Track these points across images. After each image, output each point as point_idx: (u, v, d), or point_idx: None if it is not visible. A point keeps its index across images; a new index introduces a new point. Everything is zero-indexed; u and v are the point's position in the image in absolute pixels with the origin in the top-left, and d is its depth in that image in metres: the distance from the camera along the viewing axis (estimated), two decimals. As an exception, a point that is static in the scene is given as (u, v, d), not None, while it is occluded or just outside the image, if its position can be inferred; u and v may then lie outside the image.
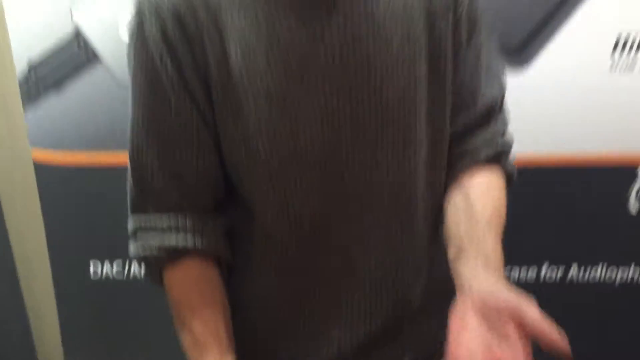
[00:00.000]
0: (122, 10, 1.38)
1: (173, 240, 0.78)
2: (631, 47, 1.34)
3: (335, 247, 0.79)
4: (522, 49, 1.36)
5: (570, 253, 1.51)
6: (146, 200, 0.79)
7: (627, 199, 1.47)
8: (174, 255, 0.78)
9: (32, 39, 1.40)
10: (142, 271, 0.83)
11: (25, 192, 1.67)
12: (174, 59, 0.72)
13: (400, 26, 0.74)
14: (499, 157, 0.83)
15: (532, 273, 1.52)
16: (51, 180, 1.51)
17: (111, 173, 1.47)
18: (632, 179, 1.46)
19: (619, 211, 1.48)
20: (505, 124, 0.86)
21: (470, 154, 0.82)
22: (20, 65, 1.42)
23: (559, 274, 1.53)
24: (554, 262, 1.52)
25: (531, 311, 0.59)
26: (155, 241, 0.78)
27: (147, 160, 0.77)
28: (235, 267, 0.84)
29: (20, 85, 1.44)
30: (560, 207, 1.48)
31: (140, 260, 0.81)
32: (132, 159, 0.78)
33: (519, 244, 1.49)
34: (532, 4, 1.34)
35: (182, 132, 0.75)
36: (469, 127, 0.82)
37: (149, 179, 0.77)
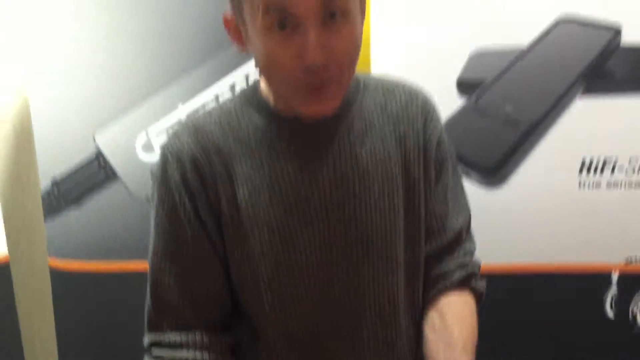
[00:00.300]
0: (138, 134, 1.54)
1: (184, 354, 0.88)
2: (596, 169, 1.50)
3: None
4: (498, 169, 1.50)
5: (551, 357, 1.60)
6: (162, 318, 0.89)
7: (603, 305, 1.57)
8: None
9: (56, 158, 1.56)
10: None
11: (40, 298, 1.77)
12: (191, 198, 0.85)
13: (381, 167, 0.89)
14: (470, 278, 0.95)
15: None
16: (66, 286, 1.61)
17: (122, 278, 1.58)
18: (607, 285, 1.57)
19: (596, 316, 1.57)
20: (472, 246, 0.99)
21: (443, 277, 0.94)
22: (44, 181, 1.57)
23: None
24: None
25: None
26: (168, 354, 0.88)
27: (165, 283, 0.88)
28: None
29: (43, 199, 1.58)
30: (539, 312, 1.57)
31: None
32: (152, 282, 0.90)
33: (502, 347, 1.58)
34: (506, 129, 1.50)
35: (196, 260, 0.87)
36: (441, 252, 0.95)
37: (166, 299, 0.88)
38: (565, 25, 1.44)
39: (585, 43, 1.44)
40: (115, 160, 1.55)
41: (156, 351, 0.89)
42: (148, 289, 0.91)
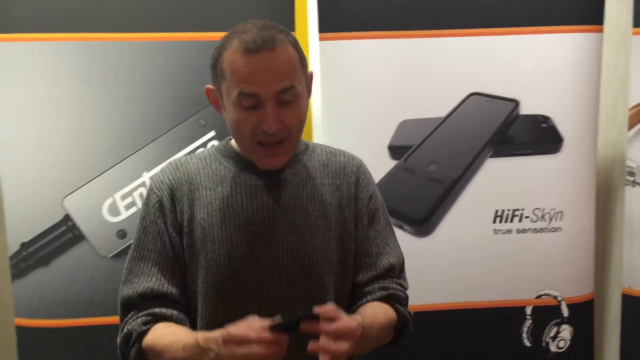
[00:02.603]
0: (105, 199, 1.68)
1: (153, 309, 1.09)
2: (507, 218, 1.76)
3: None
4: (426, 221, 1.74)
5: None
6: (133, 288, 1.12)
7: (520, 335, 1.81)
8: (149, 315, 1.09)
9: (26, 222, 1.67)
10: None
11: (6, 356, 1.81)
12: (162, 217, 1.12)
13: (318, 206, 1.14)
14: (392, 297, 1.15)
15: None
16: (32, 342, 1.68)
17: (89, 332, 1.67)
18: (522, 318, 1.81)
19: (515, 345, 1.81)
20: (404, 284, 1.20)
21: (367, 294, 1.15)
22: (13, 244, 1.67)
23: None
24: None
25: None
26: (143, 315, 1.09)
27: (135, 270, 1.12)
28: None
29: (11, 260, 1.67)
30: (466, 345, 1.79)
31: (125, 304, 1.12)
32: (125, 275, 1.13)
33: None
34: (431, 186, 1.74)
35: (160, 260, 1.12)
36: (372, 280, 1.16)
37: (135, 281, 1.12)
38: (475, 98, 1.73)
39: (492, 113, 1.73)
40: (82, 222, 1.68)
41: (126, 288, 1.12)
42: (121, 284, 1.14)
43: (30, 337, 1.68)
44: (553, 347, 1.82)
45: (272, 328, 0.92)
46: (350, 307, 1.16)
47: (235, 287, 1.09)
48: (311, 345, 0.91)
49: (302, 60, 1.09)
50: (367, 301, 1.15)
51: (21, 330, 1.69)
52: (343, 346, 0.92)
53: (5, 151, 1.66)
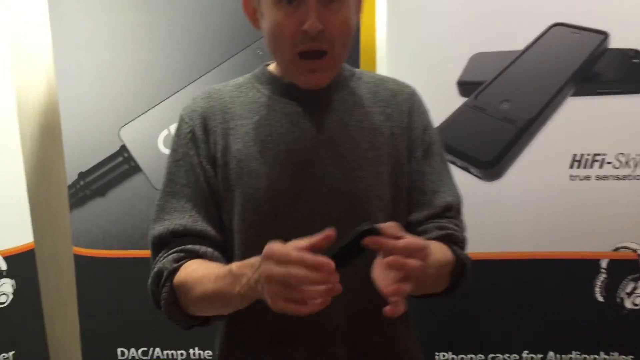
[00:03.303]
0: (161, 130, 1.65)
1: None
2: (585, 163, 1.62)
3: None
4: (495, 164, 1.61)
5: (547, 341, 1.71)
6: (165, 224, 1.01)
7: (593, 290, 1.69)
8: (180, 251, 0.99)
9: (83, 152, 1.66)
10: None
11: (64, 284, 1.86)
12: (195, 148, 1.02)
13: (367, 136, 1.02)
14: (449, 238, 1.03)
15: None
16: (89, 271, 1.71)
17: (141, 265, 1.68)
18: (596, 271, 1.69)
19: (587, 301, 1.69)
20: (461, 225, 1.08)
21: (424, 233, 1.03)
22: (71, 173, 1.67)
23: None
24: (532, 350, 1.71)
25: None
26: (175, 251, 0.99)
27: (168, 207, 1.02)
28: None
29: (69, 190, 1.68)
30: (533, 298, 1.68)
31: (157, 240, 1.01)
32: (158, 208, 1.03)
33: (500, 334, 1.69)
34: (503, 126, 1.61)
35: (194, 195, 1.01)
36: (427, 219, 1.05)
37: (167, 218, 1.01)
38: (558, 30, 1.56)
39: (576, 46, 1.56)
40: (138, 154, 1.66)
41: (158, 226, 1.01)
42: (152, 223, 1.03)
43: (87, 266, 1.70)
44: (628, 304, 1.69)
45: (328, 252, 0.78)
46: None
47: (275, 225, 0.98)
48: (390, 260, 0.78)
49: None
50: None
51: (79, 259, 1.71)
52: (416, 264, 0.79)
53: (63, 79, 1.65)
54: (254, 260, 0.84)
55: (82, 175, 1.67)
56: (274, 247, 0.80)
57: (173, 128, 1.63)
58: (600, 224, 1.65)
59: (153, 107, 1.64)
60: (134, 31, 1.61)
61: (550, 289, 1.69)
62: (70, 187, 1.68)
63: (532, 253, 1.66)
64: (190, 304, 0.96)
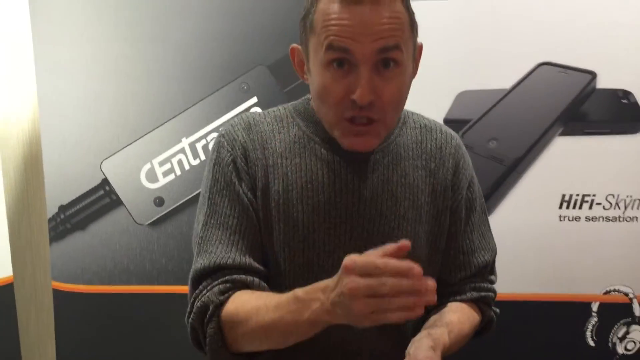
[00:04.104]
0: (143, 164, 1.63)
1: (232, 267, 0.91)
2: (575, 204, 1.58)
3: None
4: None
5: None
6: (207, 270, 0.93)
7: (584, 334, 1.64)
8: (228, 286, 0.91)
9: (64, 185, 1.64)
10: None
11: (42, 317, 1.82)
12: (238, 179, 0.95)
13: (409, 193, 0.97)
14: (481, 300, 1.01)
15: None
16: (68, 306, 1.66)
17: (123, 299, 1.64)
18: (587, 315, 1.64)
19: (578, 346, 1.64)
20: (493, 279, 1.06)
21: (458, 294, 1.01)
22: (51, 206, 1.65)
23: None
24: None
25: None
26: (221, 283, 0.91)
27: (212, 239, 0.93)
28: None
29: (49, 223, 1.65)
30: (524, 340, 1.64)
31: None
32: (201, 238, 0.95)
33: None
34: (490, 165, 1.58)
35: (240, 227, 0.94)
36: (463, 279, 1.02)
37: (212, 250, 0.93)
38: (545, 69, 1.55)
39: (564, 86, 1.54)
40: (120, 187, 1.63)
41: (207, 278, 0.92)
42: (195, 257, 0.95)
43: (67, 301, 1.66)
44: (620, 349, 1.65)
45: None
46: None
47: (306, 276, 0.92)
48: None
49: (413, 24, 0.91)
50: (455, 301, 1.01)
51: (58, 294, 1.67)
52: None
53: (45, 111, 1.63)
54: (325, 283, 0.78)
55: (62, 209, 1.64)
56: (356, 258, 0.74)
57: (156, 162, 1.64)
58: (590, 266, 1.61)
59: (136, 140, 1.62)
60: (117, 63, 1.60)
61: (541, 333, 1.64)
62: (50, 220, 1.65)
63: (521, 295, 1.62)
64: (241, 339, 0.89)
